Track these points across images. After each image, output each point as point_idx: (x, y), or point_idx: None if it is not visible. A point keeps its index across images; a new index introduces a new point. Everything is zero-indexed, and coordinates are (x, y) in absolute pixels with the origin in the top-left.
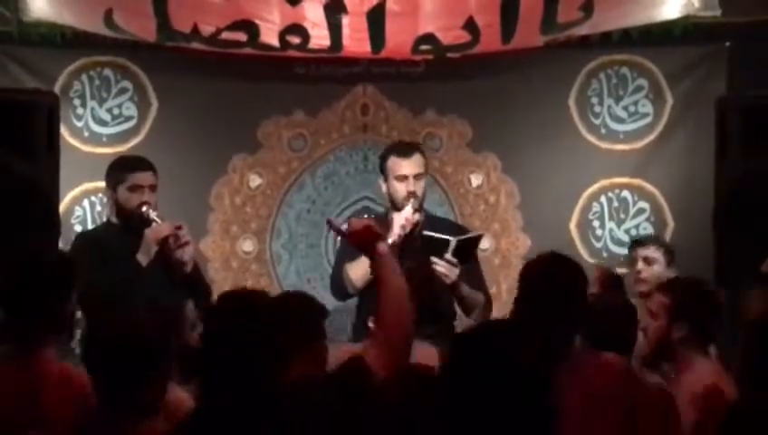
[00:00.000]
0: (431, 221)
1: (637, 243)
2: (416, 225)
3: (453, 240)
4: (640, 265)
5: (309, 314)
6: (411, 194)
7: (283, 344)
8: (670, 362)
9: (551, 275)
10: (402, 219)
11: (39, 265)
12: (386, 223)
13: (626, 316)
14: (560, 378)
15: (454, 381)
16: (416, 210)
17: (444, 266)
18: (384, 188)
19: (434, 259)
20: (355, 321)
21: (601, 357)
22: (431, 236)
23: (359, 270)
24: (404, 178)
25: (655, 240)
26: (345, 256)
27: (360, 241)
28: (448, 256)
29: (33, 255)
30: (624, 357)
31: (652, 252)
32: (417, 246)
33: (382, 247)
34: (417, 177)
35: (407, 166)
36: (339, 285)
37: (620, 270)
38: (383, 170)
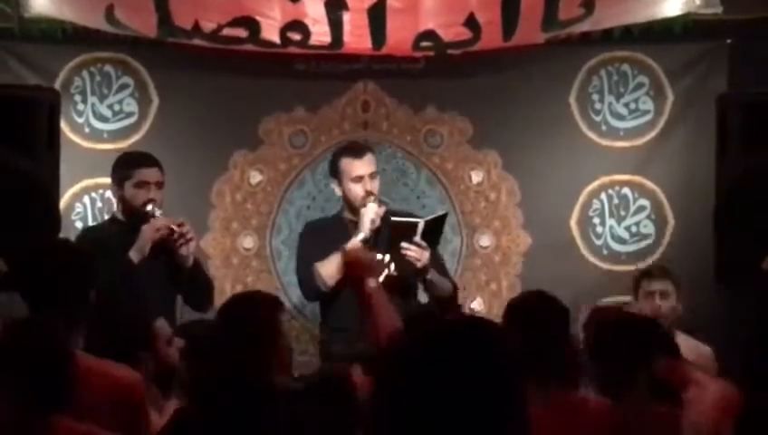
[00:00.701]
0: (391, 214)
1: (648, 275)
2: (382, 218)
3: (421, 221)
4: (658, 299)
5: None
6: (369, 193)
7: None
8: None
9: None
10: (372, 214)
11: (65, 252)
12: (341, 225)
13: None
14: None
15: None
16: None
17: (414, 250)
18: (338, 190)
19: (404, 244)
20: (321, 321)
21: (590, 401)
22: (398, 222)
23: (329, 268)
24: (360, 178)
25: (665, 272)
26: (310, 255)
27: (351, 272)
28: (417, 238)
29: (55, 243)
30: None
31: (666, 285)
32: (384, 236)
33: (371, 285)
34: (372, 175)
35: (361, 166)
36: (310, 286)
37: (621, 268)
38: (335, 173)
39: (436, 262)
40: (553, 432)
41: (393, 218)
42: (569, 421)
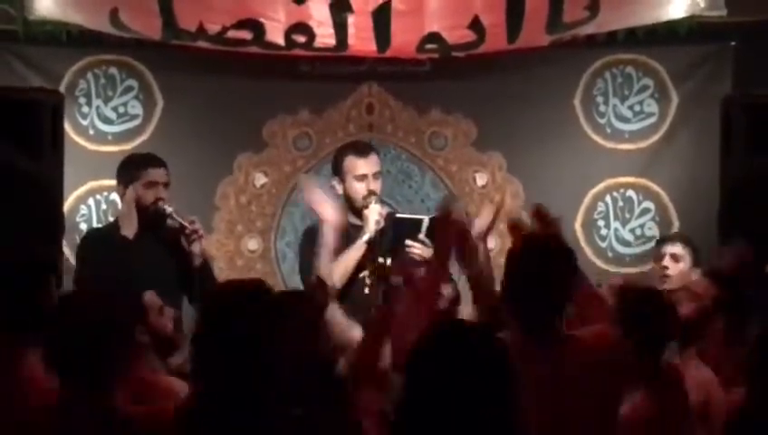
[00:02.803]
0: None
1: (664, 239)
2: (386, 219)
3: (425, 219)
4: (667, 260)
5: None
6: (372, 193)
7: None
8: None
9: (534, 259)
10: (376, 214)
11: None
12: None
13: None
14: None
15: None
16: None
17: (419, 248)
18: (339, 189)
19: (408, 242)
20: None
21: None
22: (403, 219)
23: (337, 271)
24: (363, 177)
25: (682, 238)
26: (314, 257)
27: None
28: (422, 236)
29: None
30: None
31: (679, 249)
32: (388, 234)
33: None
34: (375, 175)
35: (365, 165)
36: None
37: (626, 270)
38: (338, 171)
39: None
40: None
41: (397, 215)
42: None
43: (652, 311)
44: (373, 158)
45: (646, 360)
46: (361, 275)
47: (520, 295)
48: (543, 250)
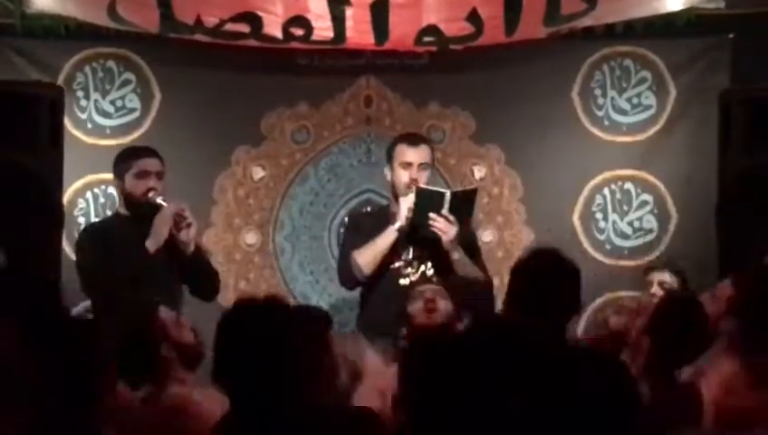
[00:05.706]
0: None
1: (652, 268)
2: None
3: (447, 192)
4: (655, 288)
5: (317, 327)
6: (413, 181)
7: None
8: None
9: (540, 273)
10: (411, 203)
11: None
12: (385, 216)
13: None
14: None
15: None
16: None
17: (441, 223)
18: (389, 175)
19: (432, 215)
20: (359, 313)
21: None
22: (424, 189)
23: (367, 256)
24: (408, 165)
25: (669, 264)
26: (352, 245)
27: None
28: (445, 211)
29: None
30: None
31: (667, 277)
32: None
33: None
34: (420, 166)
35: (412, 154)
36: (347, 274)
37: (624, 263)
38: (390, 158)
39: (471, 245)
40: None
41: (419, 186)
42: None
43: (687, 324)
44: (423, 149)
45: (667, 372)
46: (396, 265)
47: (529, 312)
48: (554, 268)
